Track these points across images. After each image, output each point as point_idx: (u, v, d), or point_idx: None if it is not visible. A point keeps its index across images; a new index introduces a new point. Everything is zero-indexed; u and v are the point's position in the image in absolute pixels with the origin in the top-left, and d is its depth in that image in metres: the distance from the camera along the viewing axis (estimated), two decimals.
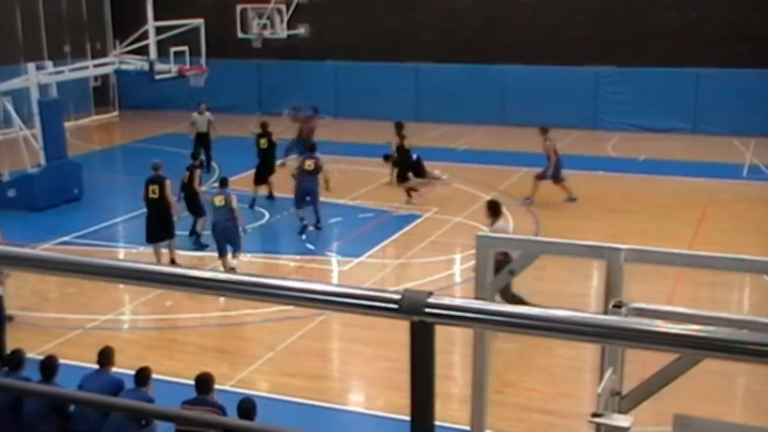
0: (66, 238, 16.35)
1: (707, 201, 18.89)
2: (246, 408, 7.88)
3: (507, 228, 12.50)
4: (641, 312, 4.46)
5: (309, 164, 17.01)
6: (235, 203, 14.53)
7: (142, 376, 8.43)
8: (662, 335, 1.72)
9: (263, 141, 19.36)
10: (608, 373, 4.37)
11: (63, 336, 11.90)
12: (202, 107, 22.17)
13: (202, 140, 21.86)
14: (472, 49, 27.94)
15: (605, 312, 4.40)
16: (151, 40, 21.67)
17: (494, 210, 12.59)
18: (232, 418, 7.25)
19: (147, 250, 15.70)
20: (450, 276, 14.67)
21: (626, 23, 26.69)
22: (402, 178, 19.29)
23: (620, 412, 4.42)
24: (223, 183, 15.03)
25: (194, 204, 16.20)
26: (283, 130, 20.89)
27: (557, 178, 18.68)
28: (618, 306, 4.40)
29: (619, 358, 4.50)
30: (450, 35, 28.29)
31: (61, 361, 8.89)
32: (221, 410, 7.97)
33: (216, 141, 21.87)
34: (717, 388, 10.00)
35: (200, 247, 15.90)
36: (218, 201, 14.47)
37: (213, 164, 21.75)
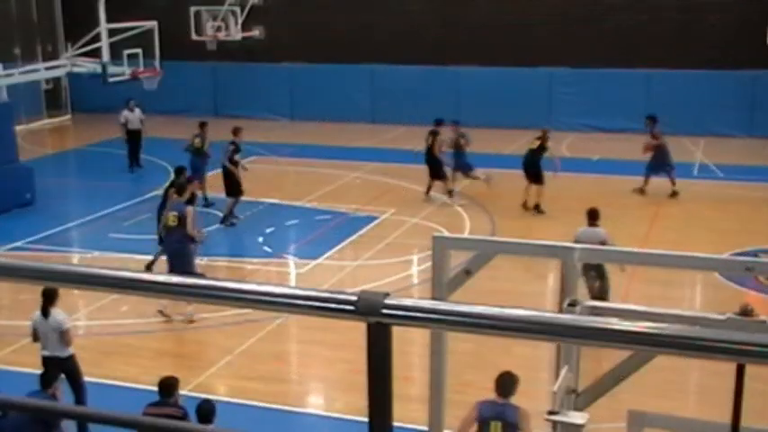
0: (18, 244, 16.09)
1: (660, 200, 19.16)
2: (206, 410, 7.83)
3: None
4: (595, 311, 4.52)
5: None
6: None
7: (46, 379, 8.32)
8: (616, 332, 1.74)
9: None
10: (563, 372, 4.42)
11: (16, 343, 11.69)
12: (132, 104, 22.37)
13: (134, 137, 22.21)
14: (428, 50, 28.03)
15: (560, 311, 4.45)
16: (104, 43, 21.38)
17: (588, 215, 12.49)
18: (190, 422, 7.19)
19: (102, 255, 15.52)
20: (407, 277, 14.70)
21: (579, 25, 26.99)
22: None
23: (575, 409, 4.47)
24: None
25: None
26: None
27: None
28: (572, 305, 4.45)
29: (574, 356, 4.55)
30: (406, 36, 28.35)
31: (15, 369, 8.77)
32: (183, 412, 7.91)
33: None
34: (670, 384, 10.15)
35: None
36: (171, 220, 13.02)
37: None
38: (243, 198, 17.85)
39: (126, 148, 22.43)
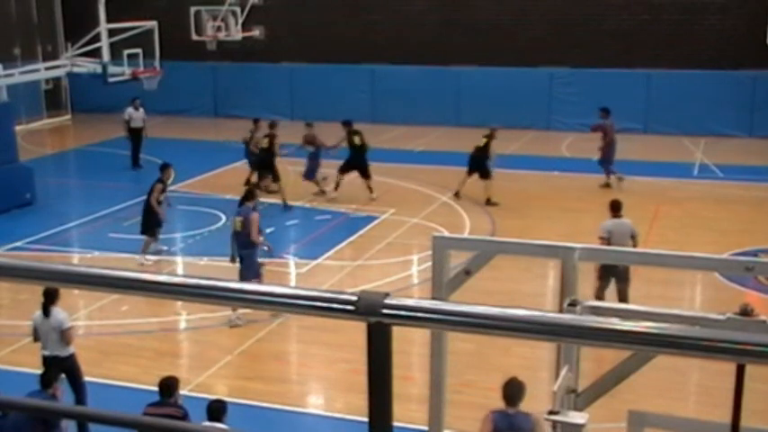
0: (18, 244, 16.09)
1: (659, 199, 19.17)
2: (215, 408, 7.84)
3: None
4: (595, 310, 4.51)
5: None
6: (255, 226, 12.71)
7: (46, 379, 8.33)
8: (616, 332, 1.74)
9: None
10: (564, 371, 4.42)
11: (16, 343, 11.70)
12: (137, 102, 22.57)
13: (137, 136, 22.45)
14: (428, 50, 28.04)
15: (560, 311, 4.45)
16: (104, 43, 21.39)
17: (612, 207, 12.66)
18: (188, 422, 7.19)
19: (102, 255, 15.53)
20: (407, 277, 14.70)
21: (579, 25, 27.00)
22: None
23: (575, 410, 4.47)
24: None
25: (148, 221, 15.40)
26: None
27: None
28: (573, 305, 4.45)
29: (574, 356, 4.55)
30: (406, 37, 28.37)
31: (15, 369, 8.76)
32: (184, 412, 7.92)
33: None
34: (670, 384, 10.16)
35: None
36: (237, 224, 12.87)
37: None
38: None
39: (130, 146, 22.61)
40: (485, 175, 18.94)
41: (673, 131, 25.92)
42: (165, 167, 15.79)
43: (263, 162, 18.76)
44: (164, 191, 15.47)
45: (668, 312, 4.87)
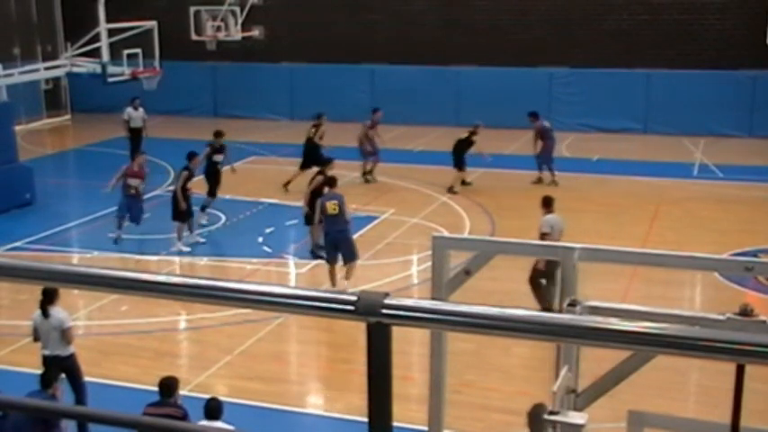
0: (17, 244, 16.08)
1: (659, 199, 19.18)
2: (213, 407, 7.84)
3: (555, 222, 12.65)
4: (595, 310, 4.51)
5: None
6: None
7: (46, 379, 8.33)
8: (616, 332, 1.74)
9: None
10: (563, 371, 4.42)
11: (15, 343, 11.70)
12: (137, 102, 22.59)
13: (136, 136, 22.43)
14: (428, 50, 28.05)
15: (560, 311, 4.45)
16: (103, 43, 21.38)
17: (547, 203, 12.86)
18: (187, 422, 7.19)
19: (102, 255, 15.53)
20: (407, 277, 14.71)
21: (578, 25, 27.01)
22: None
23: (575, 410, 4.47)
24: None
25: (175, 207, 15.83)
26: None
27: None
28: (572, 305, 4.45)
29: (574, 356, 4.55)
30: (406, 37, 28.38)
31: (15, 369, 8.76)
32: (183, 412, 7.91)
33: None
34: (670, 384, 10.15)
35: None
36: (332, 208, 13.65)
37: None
38: (243, 198, 17.94)
39: (129, 146, 22.50)
40: (457, 165, 19.90)
41: (672, 131, 25.93)
42: (192, 155, 16.23)
43: (312, 154, 19.26)
44: (190, 178, 15.92)
45: (668, 312, 4.87)
